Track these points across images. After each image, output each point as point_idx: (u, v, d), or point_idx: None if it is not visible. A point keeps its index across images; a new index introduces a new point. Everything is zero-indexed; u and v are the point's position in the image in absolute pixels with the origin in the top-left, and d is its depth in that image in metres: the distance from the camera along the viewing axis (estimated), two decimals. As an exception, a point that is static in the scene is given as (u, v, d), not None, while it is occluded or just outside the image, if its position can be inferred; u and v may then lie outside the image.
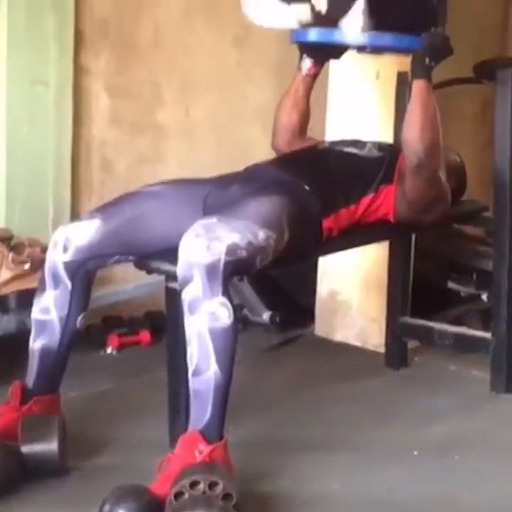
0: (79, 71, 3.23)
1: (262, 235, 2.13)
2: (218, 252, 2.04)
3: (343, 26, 2.33)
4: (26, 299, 2.46)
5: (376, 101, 3.22)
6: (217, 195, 2.38)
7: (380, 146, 2.64)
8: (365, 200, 2.47)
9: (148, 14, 3.45)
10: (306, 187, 2.38)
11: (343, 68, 3.15)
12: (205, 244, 2.04)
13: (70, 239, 2.26)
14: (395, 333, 3.07)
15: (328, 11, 2.33)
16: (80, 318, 2.29)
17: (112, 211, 2.35)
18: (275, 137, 2.76)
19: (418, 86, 2.41)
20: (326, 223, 2.37)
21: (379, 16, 2.31)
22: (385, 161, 2.55)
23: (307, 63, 2.63)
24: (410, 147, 2.41)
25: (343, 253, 2.87)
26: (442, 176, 2.51)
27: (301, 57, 2.64)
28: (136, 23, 3.42)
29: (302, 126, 2.74)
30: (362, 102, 3.25)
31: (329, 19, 2.34)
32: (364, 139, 2.70)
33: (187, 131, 3.55)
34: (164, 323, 2.60)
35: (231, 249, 2.05)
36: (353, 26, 2.31)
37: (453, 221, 3.10)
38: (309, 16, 2.35)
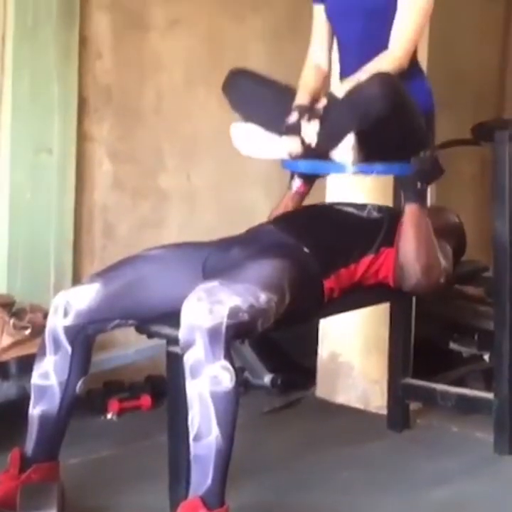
0: (82, 138, 3.29)
1: (263, 297, 2.13)
2: (220, 315, 2.04)
3: (333, 157, 2.36)
4: (27, 364, 2.45)
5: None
6: (217, 258, 2.39)
7: (380, 208, 2.66)
8: (365, 260, 2.48)
9: (150, 81, 3.53)
10: (306, 249, 2.39)
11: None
12: (207, 308, 2.04)
13: (71, 303, 2.27)
14: (397, 394, 3.06)
15: (317, 144, 2.36)
16: (79, 383, 2.29)
17: (112, 275, 2.37)
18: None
19: (411, 210, 2.46)
20: (327, 283, 2.38)
21: (368, 149, 2.34)
22: (384, 222, 2.57)
23: (297, 182, 2.68)
24: (406, 269, 2.46)
25: (343, 314, 2.87)
26: (442, 276, 2.53)
27: (291, 177, 2.68)
28: (139, 90, 3.50)
29: None
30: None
31: (319, 151, 2.38)
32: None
33: (188, 195, 3.60)
34: (165, 387, 2.59)
35: (233, 313, 2.06)
36: (343, 159, 2.34)
37: (453, 282, 3.11)
38: (299, 149, 2.39)
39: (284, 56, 3.86)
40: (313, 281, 2.36)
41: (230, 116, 3.70)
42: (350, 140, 2.32)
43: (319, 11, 2.65)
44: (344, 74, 2.56)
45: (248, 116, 2.58)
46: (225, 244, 2.48)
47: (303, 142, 2.39)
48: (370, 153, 2.39)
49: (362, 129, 2.33)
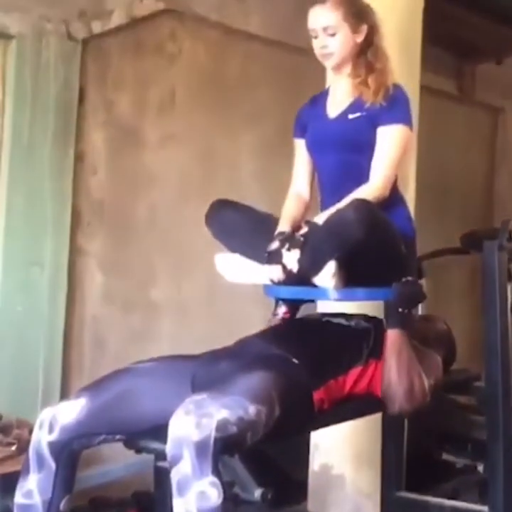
0: (74, 251, 3.34)
1: (252, 409, 2.10)
2: (208, 428, 2.01)
3: (315, 283, 2.37)
4: (12, 481, 2.39)
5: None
6: (206, 371, 2.38)
7: (368, 318, 2.66)
8: (354, 371, 2.46)
9: (144, 195, 3.61)
10: (295, 360, 2.38)
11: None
12: (194, 421, 2.02)
13: (56, 418, 2.24)
14: (391, 509, 3.00)
15: (299, 271, 2.38)
16: (64, 501, 2.23)
17: (99, 389, 2.34)
18: None
19: (392, 335, 2.46)
20: (317, 395, 2.35)
21: (350, 275, 2.36)
22: (372, 332, 2.57)
23: (282, 308, 2.69)
24: (389, 394, 2.44)
25: (334, 426, 2.83)
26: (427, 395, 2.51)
27: (276, 303, 2.70)
28: (132, 204, 3.57)
29: None
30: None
31: (301, 277, 2.40)
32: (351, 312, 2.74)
33: (179, 307, 3.63)
34: (152, 503, 2.54)
35: (221, 425, 2.03)
36: (325, 285, 2.36)
37: (445, 391, 3.09)
38: (281, 275, 2.41)
39: (276, 170, 3.95)
40: (303, 392, 2.34)
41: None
42: (331, 267, 2.34)
43: (300, 144, 2.69)
44: (324, 205, 2.59)
45: (230, 246, 2.61)
46: (214, 356, 2.46)
47: (284, 268, 2.41)
48: (351, 279, 2.40)
49: (341, 254, 2.35)
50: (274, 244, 2.48)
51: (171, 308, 3.60)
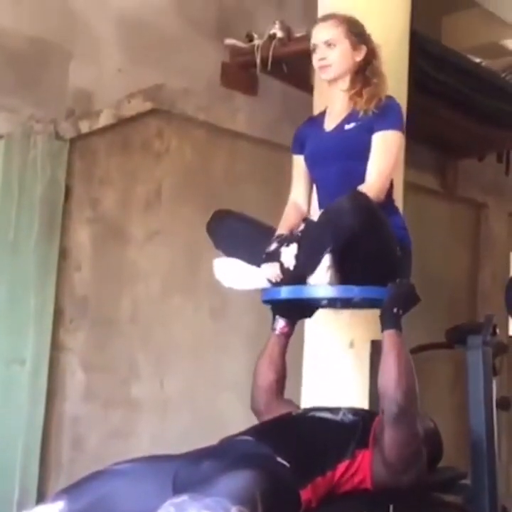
0: (56, 348, 3.32)
1: (234, 511, 2.06)
2: (189, 531, 1.97)
3: (311, 282, 2.40)
4: None
5: (351, 369, 3.27)
6: (188, 471, 2.33)
7: (355, 411, 2.64)
8: (342, 466, 2.42)
9: (127, 291, 3.61)
10: (280, 459, 2.34)
11: (318, 337, 3.24)
12: (175, 525, 1.98)
13: (33, 523, 2.19)
14: None
15: (296, 267, 2.42)
16: None
17: (78, 492, 2.28)
18: (253, 399, 2.76)
19: (388, 336, 2.45)
20: (304, 495, 2.30)
21: (345, 271, 2.39)
22: (359, 425, 2.53)
23: (280, 323, 2.70)
24: (388, 396, 2.41)
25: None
26: (420, 429, 2.49)
27: (274, 318, 2.71)
28: (115, 300, 3.57)
29: (279, 385, 2.74)
30: (336, 369, 3.29)
31: (298, 276, 2.43)
32: (339, 405, 2.71)
33: (161, 403, 3.59)
34: None
35: (201, 529, 1.99)
36: (321, 282, 2.38)
37: (431, 489, 3.03)
38: (279, 274, 2.44)
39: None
40: (289, 491, 2.29)
41: (206, 321, 3.78)
42: (326, 260, 2.36)
43: (298, 160, 2.80)
44: (321, 208, 2.66)
45: (230, 252, 2.65)
46: (196, 456, 2.42)
47: (282, 267, 2.44)
48: (346, 275, 2.42)
49: (337, 245, 2.37)
50: (273, 245, 2.53)
51: (153, 405, 3.55)
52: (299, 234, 2.50)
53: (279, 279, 2.46)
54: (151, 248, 3.71)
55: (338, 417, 2.58)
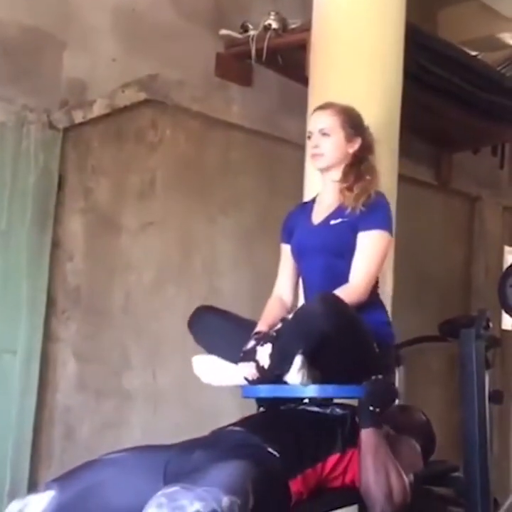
0: (48, 338, 3.31)
1: (226, 501, 2.06)
2: (181, 522, 1.97)
3: (287, 380, 2.39)
4: None
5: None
6: (179, 461, 2.33)
7: (344, 406, 2.64)
8: (332, 458, 2.43)
9: (120, 282, 3.60)
10: (270, 449, 2.35)
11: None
12: (167, 515, 1.97)
13: (23, 512, 2.19)
14: None
15: (270, 367, 2.41)
16: None
17: (69, 481, 2.28)
18: None
19: (366, 435, 2.44)
20: (294, 486, 2.31)
21: (320, 368, 2.39)
22: (347, 419, 2.54)
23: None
24: (368, 494, 2.41)
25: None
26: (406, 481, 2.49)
27: (258, 407, 2.69)
28: (108, 291, 3.56)
29: None
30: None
31: (273, 375, 2.43)
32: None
33: (153, 395, 3.59)
34: None
35: (193, 519, 1.99)
36: (294, 381, 2.38)
37: (423, 482, 3.03)
38: (255, 373, 2.43)
39: (253, 254, 3.99)
40: (279, 482, 2.29)
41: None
42: (297, 362, 2.35)
43: (286, 250, 2.77)
44: None
45: (210, 349, 2.64)
46: (188, 446, 2.42)
47: (258, 365, 2.43)
48: (321, 375, 2.41)
49: (308, 347, 2.36)
50: (250, 343, 2.51)
51: (145, 396, 3.55)
52: (274, 334, 2.47)
53: (255, 378, 2.45)
54: (145, 238, 3.70)
55: (328, 411, 2.60)
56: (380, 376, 2.48)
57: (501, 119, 4.75)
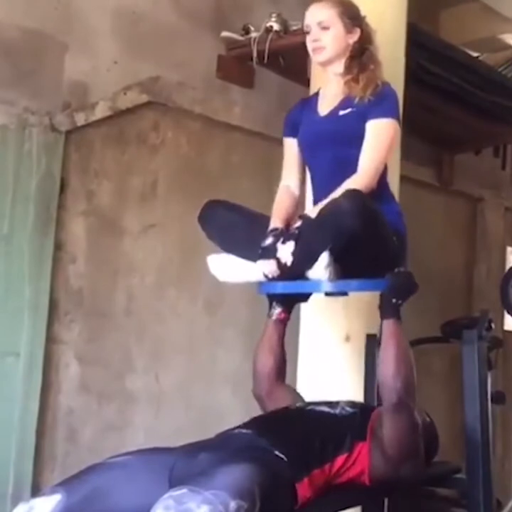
0: (51, 340, 3.31)
1: (233, 505, 2.05)
2: (188, 525, 1.97)
3: (309, 276, 2.39)
4: None
5: (346, 362, 3.27)
6: (185, 464, 2.33)
7: (353, 404, 2.64)
8: (340, 459, 2.42)
9: (122, 284, 3.60)
10: (278, 452, 2.35)
11: (313, 330, 3.23)
12: (175, 518, 1.98)
13: (29, 515, 2.18)
14: None
15: (293, 263, 2.41)
16: None
17: (75, 485, 2.28)
18: (254, 385, 2.75)
19: (388, 325, 2.45)
20: (301, 488, 2.31)
21: (343, 266, 2.38)
22: (357, 417, 2.53)
23: (277, 310, 2.69)
24: (388, 385, 2.41)
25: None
26: (418, 419, 2.49)
27: (270, 305, 2.69)
28: (110, 293, 3.56)
29: (278, 371, 2.73)
30: (331, 363, 3.29)
31: (296, 272, 2.42)
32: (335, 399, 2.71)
33: (156, 397, 3.58)
34: None
35: (201, 522, 1.99)
36: (319, 277, 2.37)
37: (426, 483, 3.03)
38: (275, 270, 2.43)
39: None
40: (286, 485, 2.29)
41: (201, 314, 3.77)
42: (324, 258, 2.35)
43: (290, 143, 2.77)
44: (317, 198, 2.64)
45: (223, 245, 2.63)
46: (193, 449, 2.42)
47: (279, 263, 2.43)
48: (345, 270, 2.41)
49: (336, 245, 2.36)
50: (268, 240, 2.50)
51: (148, 398, 3.55)
52: (296, 231, 2.47)
53: (276, 275, 2.45)
54: (147, 241, 3.70)
55: (337, 411, 2.59)
56: (401, 268, 2.49)
57: (503, 120, 4.75)
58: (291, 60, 3.97)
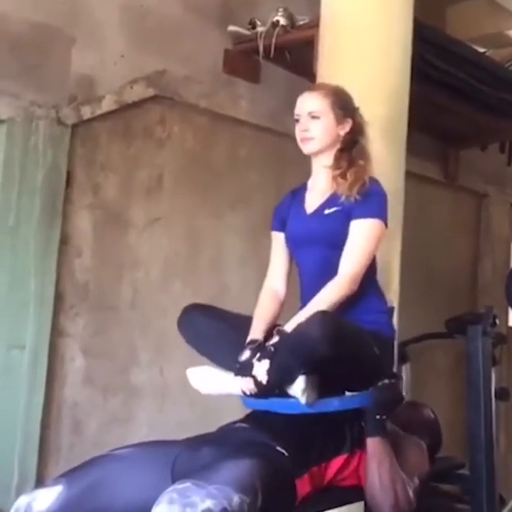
0: (56, 333, 3.32)
1: (236, 499, 2.06)
2: (191, 519, 1.98)
3: (289, 392, 2.35)
4: None
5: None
6: (187, 458, 2.34)
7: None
8: (339, 459, 2.43)
9: (128, 277, 3.61)
10: (279, 448, 2.35)
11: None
12: (178, 511, 1.98)
13: (32, 506, 2.19)
14: None
15: (268, 382, 2.36)
16: None
17: (77, 476, 2.29)
18: None
19: (373, 445, 2.45)
20: (301, 484, 2.32)
21: (322, 386, 2.35)
22: (356, 421, 2.54)
23: None
24: (375, 503, 2.42)
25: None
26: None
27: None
28: (116, 286, 3.57)
29: None
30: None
31: (273, 389, 2.38)
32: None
33: (160, 390, 3.59)
34: None
35: (204, 516, 2.00)
36: (298, 398, 2.34)
37: (429, 479, 3.04)
38: (253, 388, 2.39)
39: (260, 250, 3.97)
40: (286, 481, 2.30)
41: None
42: (300, 383, 2.32)
43: (278, 237, 2.70)
44: (304, 299, 2.58)
45: (202, 352, 2.62)
46: (196, 443, 2.43)
47: (255, 380, 2.38)
48: (325, 387, 2.38)
49: (309, 368, 2.33)
50: (245, 355, 2.45)
51: (152, 391, 3.56)
52: (272, 349, 2.40)
53: (253, 393, 2.41)
54: (152, 234, 3.70)
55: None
56: (386, 381, 2.47)
57: (509, 115, 4.75)
58: (297, 54, 3.97)
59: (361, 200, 2.51)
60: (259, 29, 3.92)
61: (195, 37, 3.91)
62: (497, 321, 2.93)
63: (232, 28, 4.03)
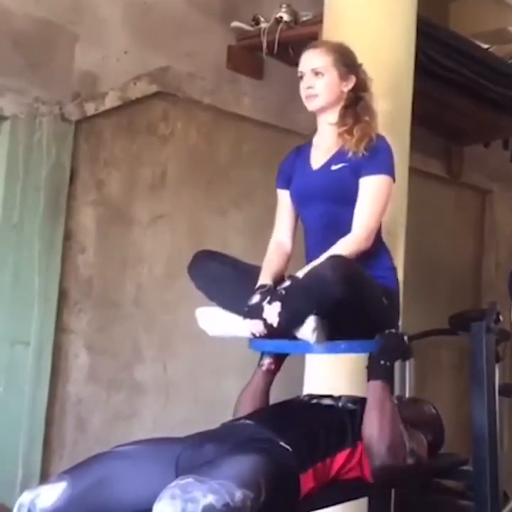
0: (60, 330, 3.32)
1: (239, 495, 2.06)
2: (193, 514, 1.98)
3: (298, 336, 2.35)
4: None
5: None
6: (191, 454, 2.33)
7: (354, 400, 2.64)
8: (343, 453, 2.42)
9: (131, 274, 3.62)
10: (283, 443, 2.35)
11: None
12: (180, 507, 1.98)
13: (35, 503, 2.18)
14: None
15: (279, 324, 2.36)
16: None
17: (81, 473, 2.29)
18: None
19: (374, 387, 2.43)
20: (305, 480, 2.31)
21: (331, 328, 2.35)
22: (358, 414, 2.55)
23: (267, 360, 2.66)
24: (371, 450, 2.39)
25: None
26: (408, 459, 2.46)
27: (261, 355, 2.67)
28: (119, 283, 3.58)
29: None
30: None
31: (282, 331, 2.38)
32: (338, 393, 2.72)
33: (164, 387, 3.60)
34: None
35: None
36: (307, 339, 2.34)
37: (432, 475, 3.04)
38: (262, 330, 2.39)
39: (264, 247, 3.97)
40: (290, 476, 2.30)
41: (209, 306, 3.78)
42: (311, 322, 2.32)
43: (283, 195, 2.70)
44: (310, 257, 2.58)
45: (212, 296, 2.60)
46: (200, 439, 2.42)
47: (265, 322, 2.39)
48: (333, 332, 2.38)
49: (321, 311, 2.33)
50: (255, 298, 2.45)
51: (156, 388, 3.56)
52: (283, 292, 2.40)
53: (263, 335, 2.40)
54: (156, 231, 3.71)
55: (340, 404, 2.60)
56: (392, 330, 2.46)
57: (513, 112, 4.75)
58: (300, 50, 3.93)
59: (369, 156, 2.51)
60: (263, 25, 3.92)
61: (198, 33, 3.91)
62: (501, 318, 2.93)
63: (235, 24, 4.03)
